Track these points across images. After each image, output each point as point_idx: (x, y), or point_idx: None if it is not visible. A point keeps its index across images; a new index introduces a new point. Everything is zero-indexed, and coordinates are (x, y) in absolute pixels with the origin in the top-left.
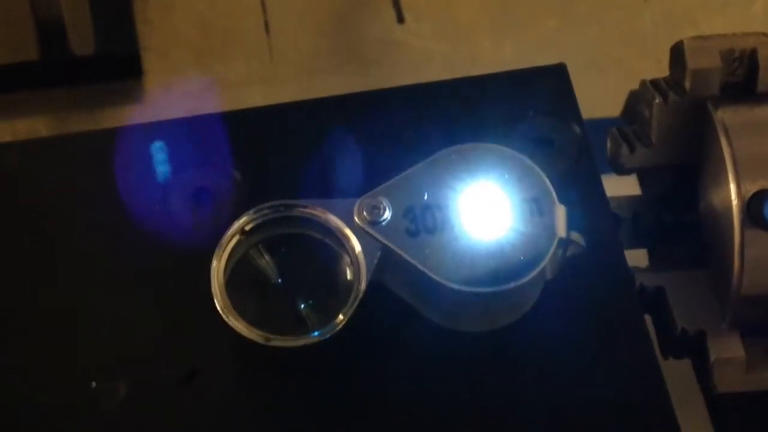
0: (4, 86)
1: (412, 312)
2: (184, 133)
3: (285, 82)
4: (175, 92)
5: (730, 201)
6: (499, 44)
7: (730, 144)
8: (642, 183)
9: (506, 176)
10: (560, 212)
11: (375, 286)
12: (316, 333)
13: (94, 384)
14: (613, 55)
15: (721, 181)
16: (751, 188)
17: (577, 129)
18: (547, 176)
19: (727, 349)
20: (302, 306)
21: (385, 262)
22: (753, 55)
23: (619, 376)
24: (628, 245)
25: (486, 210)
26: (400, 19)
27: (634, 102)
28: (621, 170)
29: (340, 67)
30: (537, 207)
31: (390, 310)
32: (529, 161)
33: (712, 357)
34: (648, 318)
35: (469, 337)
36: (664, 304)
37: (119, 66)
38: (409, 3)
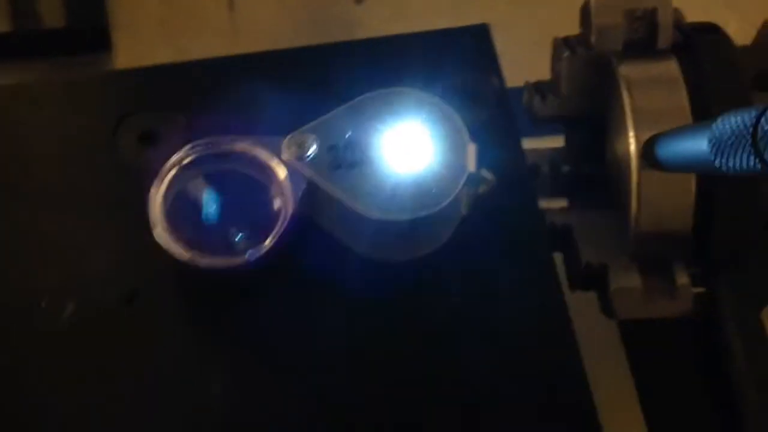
0: None
1: (339, 245)
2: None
3: None
4: (141, 65)
5: (630, 146)
6: (453, 25)
7: (630, 96)
8: (565, 138)
9: (422, 117)
10: (471, 149)
11: (307, 223)
12: (245, 255)
13: (42, 303)
14: (561, 34)
15: (623, 129)
16: (649, 135)
17: (496, 81)
18: (465, 122)
19: (626, 280)
20: (235, 236)
21: (312, 197)
22: (653, 14)
23: (526, 303)
24: (548, 195)
25: (403, 147)
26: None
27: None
28: (535, 119)
29: (300, 44)
30: (450, 144)
31: (320, 244)
32: (443, 103)
33: (612, 287)
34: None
35: (393, 267)
36: (572, 241)
37: (89, 39)
38: None
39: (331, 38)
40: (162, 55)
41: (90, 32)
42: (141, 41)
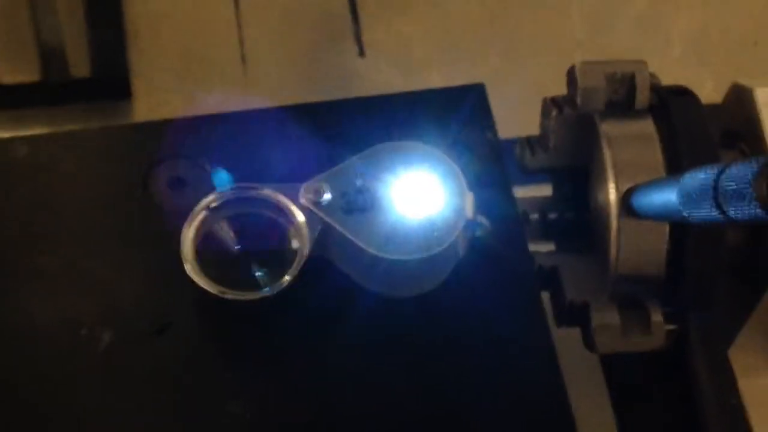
0: (9, 103)
1: (351, 282)
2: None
3: (258, 107)
4: (158, 113)
5: (610, 196)
6: (448, 78)
7: (611, 151)
8: (552, 188)
9: (425, 167)
10: (469, 198)
11: (321, 261)
12: (266, 289)
13: (84, 331)
14: (548, 91)
15: (604, 181)
16: (627, 186)
17: (491, 136)
18: (463, 173)
19: (606, 317)
20: (257, 271)
21: (326, 238)
22: (632, 78)
23: (516, 335)
24: (537, 239)
25: (408, 195)
26: (362, 53)
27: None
28: (525, 170)
29: (308, 95)
30: (450, 193)
31: (333, 280)
32: (444, 156)
33: (593, 323)
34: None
35: (398, 302)
36: (558, 281)
37: (111, 88)
38: (370, 40)
39: (336, 87)
40: (178, 103)
41: (112, 81)
42: (158, 90)
